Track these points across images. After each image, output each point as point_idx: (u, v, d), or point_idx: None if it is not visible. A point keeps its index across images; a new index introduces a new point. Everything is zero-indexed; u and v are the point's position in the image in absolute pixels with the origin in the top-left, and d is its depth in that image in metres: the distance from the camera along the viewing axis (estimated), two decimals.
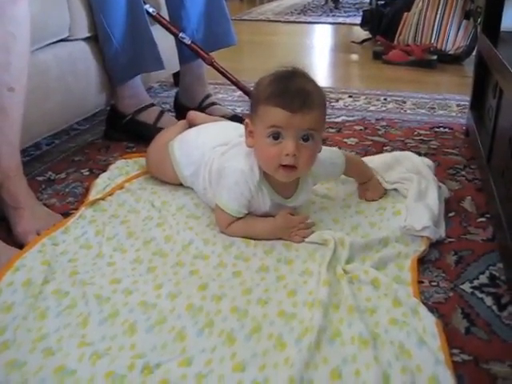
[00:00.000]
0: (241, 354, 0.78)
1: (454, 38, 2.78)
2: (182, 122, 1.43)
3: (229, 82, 1.79)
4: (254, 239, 1.08)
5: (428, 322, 0.82)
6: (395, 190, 1.24)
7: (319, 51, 3.41)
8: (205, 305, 0.89)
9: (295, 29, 4.13)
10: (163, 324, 0.85)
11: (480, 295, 0.92)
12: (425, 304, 0.87)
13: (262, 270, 0.99)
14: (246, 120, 1.08)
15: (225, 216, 1.10)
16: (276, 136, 1.00)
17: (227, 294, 0.92)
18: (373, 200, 1.23)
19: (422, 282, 0.95)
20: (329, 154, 1.15)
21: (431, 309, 0.86)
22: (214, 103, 1.80)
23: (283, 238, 1.08)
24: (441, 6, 2.82)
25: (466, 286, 0.94)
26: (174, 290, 0.93)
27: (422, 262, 1.01)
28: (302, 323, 0.84)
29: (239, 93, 1.99)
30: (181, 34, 1.66)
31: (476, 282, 0.95)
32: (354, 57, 3.18)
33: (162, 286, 0.95)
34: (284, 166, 1.01)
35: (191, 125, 1.39)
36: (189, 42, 1.67)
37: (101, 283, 0.96)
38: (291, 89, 0.99)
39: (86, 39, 1.56)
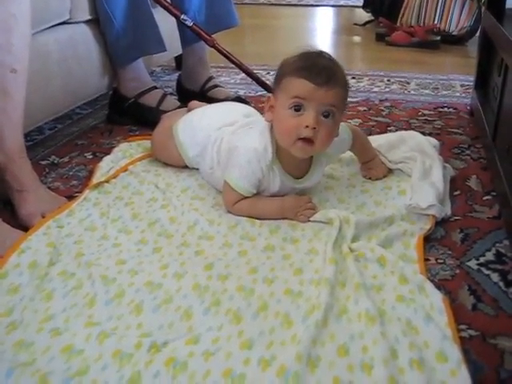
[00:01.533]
0: (248, 332, 0.78)
1: (457, 18, 2.76)
2: (183, 110, 1.42)
3: (231, 65, 1.78)
4: (260, 219, 1.08)
5: (435, 299, 0.82)
6: (399, 169, 1.24)
7: (322, 34, 3.39)
8: (211, 284, 0.89)
9: (297, 12, 4.10)
10: (169, 303, 0.85)
11: (486, 272, 0.92)
12: (431, 281, 0.86)
13: (267, 250, 0.98)
14: (268, 96, 1.08)
15: (233, 194, 1.09)
16: (298, 108, 1.00)
17: (233, 273, 0.92)
18: (377, 179, 1.23)
19: (429, 260, 0.95)
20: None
21: (438, 286, 0.86)
22: (216, 85, 1.79)
23: (289, 218, 1.08)
24: None
25: (473, 263, 0.94)
26: (179, 270, 0.93)
27: (428, 239, 1.00)
28: (309, 301, 0.84)
29: (242, 75, 1.98)
30: (182, 16, 1.65)
31: (482, 259, 0.95)
32: (357, 39, 3.16)
33: (167, 266, 0.95)
34: (302, 139, 1.01)
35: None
36: (190, 24, 1.65)
37: (106, 264, 0.96)
38: (318, 64, 1.00)
39: (87, 22, 1.55)
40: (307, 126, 0.99)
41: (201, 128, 1.22)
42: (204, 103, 1.44)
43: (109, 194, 1.20)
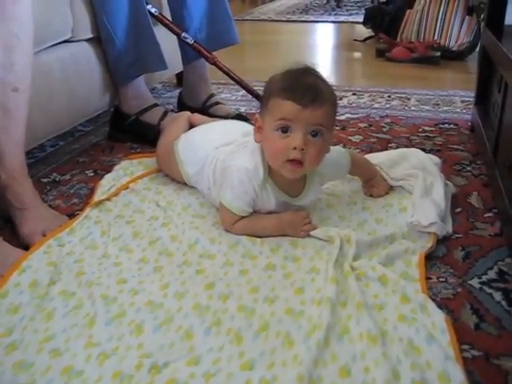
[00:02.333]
0: (249, 353, 0.78)
1: (457, 34, 2.77)
2: (184, 115, 1.42)
3: (232, 82, 1.79)
4: (260, 237, 1.08)
5: (437, 318, 0.81)
6: (401, 186, 1.24)
7: (322, 50, 3.40)
8: (212, 304, 0.89)
9: (297, 28, 4.12)
10: (170, 323, 0.85)
11: (489, 290, 0.91)
12: (433, 300, 0.86)
13: (268, 268, 0.98)
14: (256, 115, 1.08)
15: (229, 215, 1.09)
16: (284, 129, 1.00)
17: (234, 292, 0.91)
18: (379, 196, 1.23)
19: (430, 278, 0.95)
20: (335, 154, 1.14)
21: (440, 305, 0.86)
22: (217, 103, 1.80)
23: (289, 234, 1.08)
24: (443, 3, 2.82)
25: (475, 282, 0.93)
26: (180, 290, 0.93)
27: (430, 258, 1.00)
28: (310, 321, 0.84)
29: (243, 92, 1.99)
30: (183, 34, 1.66)
31: (484, 278, 0.94)
32: (357, 55, 3.17)
33: (168, 285, 0.94)
34: (291, 161, 1.01)
35: (193, 126, 1.38)
36: (191, 42, 1.67)
37: (107, 283, 0.96)
38: (303, 83, 0.99)
39: (88, 40, 1.56)
40: (295, 148, 0.99)
41: (200, 146, 1.23)
42: (205, 117, 1.45)
43: (110, 212, 1.20)
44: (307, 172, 1.09)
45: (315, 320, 0.83)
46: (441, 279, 0.94)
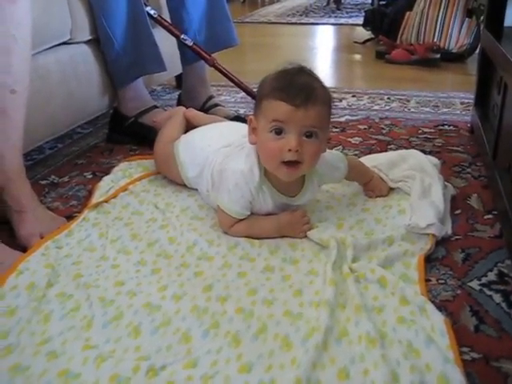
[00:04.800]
0: (247, 355, 0.77)
1: (456, 36, 2.77)
2: (180, 113, 1.42)
3: (231, 84, 1.79)
4: (259, 239, 1.07)
5: (436, 320, 0.81)
6: (399, 188, 1.23)
7: (322, 52, 3.40)
8: (210, 306, 0.88)
9: (297, 30, 4.12)
10: (168, 326, 0.84)
11: (489, 292, 0.91)
12: (432, 302, 0.85)
13: (267, 270, 0.98)
14: (250, 117, 1.07)
15: (227, 217, 1.09)
16: (278, 131, 0.99)
17: (232, 294, 0.91)
18: (380, 196, 1.22)
19: (430, 280, 0.94)
20: (331, 157, 1.14)
21: (439, 307, 0.85)
22: (216, 104, 1.79)
23: (287, 235, 1.08)
24: (443, 5, 2.82)
25: (474, 284, 0.93)
26: (178, 292, 0.92)
27: (429, 260, 1.00)
28: (309, 323, 0.83)
29: (242, 94, 1.98)
30: (182, 36, 1.66)
31: (484, 280, 0.94)
32: (357, 57, 3.17)
33: (166, 287, 0.94)
34: (286, 163, 1.00)
35: (188, 122, 1.38)
36: (191, 44, 1.66)
37: (105, 286, 0.95)
38: (295, 83, 0.98)
39: (87, 42, 1.56)
40: (290, 150, 0.98)
41: (201, 148, 1.22)
42: (201, 112, 1.45)
43: (108, 215, 1.20)
44: (304, 173, 1.08)
45: (313, 322, 0.82)
46: (440, 281, 0.94)
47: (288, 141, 0.98)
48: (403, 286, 0.88)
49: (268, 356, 0.77)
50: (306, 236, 1.07)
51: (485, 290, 0.91)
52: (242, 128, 1.20)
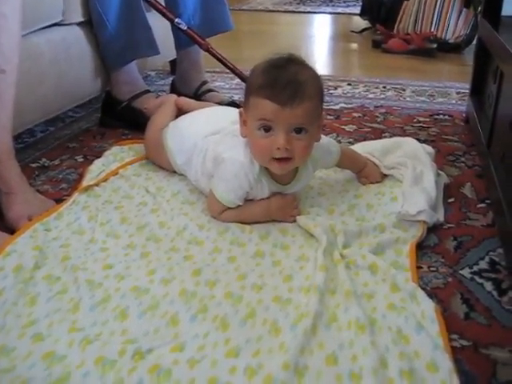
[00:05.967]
0: (234, 340, 0.77)
1: (454, 26, 2.75)
2: (171, 100, 1.40)
3: (226, 70, 1.77)
4: (249, 223, 1.06)
5: (426, 307, 0.80)
6: (392, 175, 1.22)
7: (318, 41, 3.38)
8: (198, 290, 0.87)
9: (294, 19, 4.09)
10: (155, 309, 0.84)
11: (480, 280, 0.90)
12: (423, 289, 0.85)
13: (257, 256, 0.97)
14: (240, 110, 1.05)
15: (218, 204, 1.08)
16: (266, 128, 0.97)
17: (221, 279, 0.90)
18: (374, 182, 1.21)
19: (421, 268, 0.93)
20: (324, 141, 1.12)
21: (430, 294, 0.85)
22: (210, 90, 1.77)
23: (277, 219, 1.07)
24: None
25: (466, 272, 0.92)
26: (167, 276, 0.91)
27: (421, 247, 0.99)
28: (298, 308, 0.82)
29: (237, 80, 1.97)
30: (177, 20, 1.63)
31: (476, 268, 0.93)
32: (354, 46, 3.15)
33: (155, 271, 0.93)
34: (277, 159, 0.98)
35: (180, 110, 1.36)
36: (185, 28, 1.64)
37: (93, 268, 0.94)
38: (282, 79, 0.95)
39: (80, 24, 1.54)
40: (278, 148, 0.96)
41: (188, 135, 1.20)
42: (192, 100, 1.43)
43: (98, 198, 1.18)
44: (298, 165, 1.06)
45: (303, 308, 0.82)
46: (432, 269, 0.93)
47: (276, 139, 0.96)
48: (394, 272, 0.88)
49: (256, 341, 0.77)
50: (295, 220, 1.06)
51: (476, 277, 0.91)
52: (231, 113, 1.18)
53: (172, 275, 0.91)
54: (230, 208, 1.08)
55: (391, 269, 0.89)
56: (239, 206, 1.08)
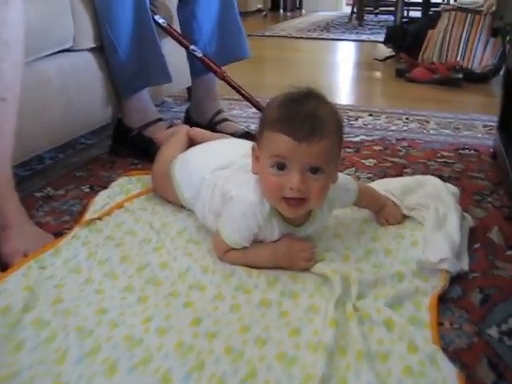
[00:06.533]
0: None
1: (480, 55, 2.68)
2: (183, 131, 1.35)
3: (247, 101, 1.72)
4: (256, 268, 0.99)
5: (448, 374, 0.72)
6: (413, 217, 1.14)
7: (341, 68, 3.33)
8: (196, 343, 0.80)
9: (318, 46, 4.06)
10: (148, 364, 0.76)
11: (509, 342, 0.81)
12: (445, 351, 0.76)
13: (262, 305, 0.89)
14: (253, 144, 0.98)
15: (223, 244, 1.01)
16: (280, 166, 0.90)
17: (222, 331, 0.82)
18: (394, 223, 1.14)
19: (442, 324, 0.84)
20: (342, 179, 1.04)
21: (452, 357, 0.76)
22: (225, 119, 1.72)
23: (285, 267, 0.98)
24: (467, 24, 2.73)
25: (493, 331, 0.83)
26: (163, 324, 0.84)
27: (443, 300, 0.90)
28: (304, 369, 0.74)
29: (254, 109, 1.91)
30: (192, 47, 1.60)
31: (504, 326, 0.84)
32: (377, 74, 3.09)
33: (151, 318, 0.86)
34: (289, 199, 0.91)
35: (192, 141, 1.30)
36: (200, 55, 1.60)
37: (85, 313, 0.87)
38: (300, 114, 0.88)
39: (90, 50, 1.50)
40: (291, 188, 0.89)
41: (196, 168, 1.14)
42: (205, 131, 1.37)
43: (100, 233, 1.12)
44: (311, 208, 0.99)
45: (309, 368, 0.74)
46: (455, 326, 0.84)
47: (290, 178, 0.89)
48: (412, 330, 0.79)
49: None
50: (307, 269, 0.98)
51: (505, 338, 0.81)
52: (243, 146, 1.12)
53: (169, 324, 0.84)
54: (235, 249, 1.00)
55: (409, 325, 0.81)
56: (246, 247, 1.01)
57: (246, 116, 2.03)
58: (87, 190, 1.37)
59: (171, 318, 0.86)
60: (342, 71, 3.23)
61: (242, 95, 1.66)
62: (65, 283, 0.95)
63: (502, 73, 2.58)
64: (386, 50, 3.35)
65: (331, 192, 0.98)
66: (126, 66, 1.48)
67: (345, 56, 3.87)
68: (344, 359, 0.76)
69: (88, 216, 1.19)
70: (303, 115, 0.88)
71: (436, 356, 0.74)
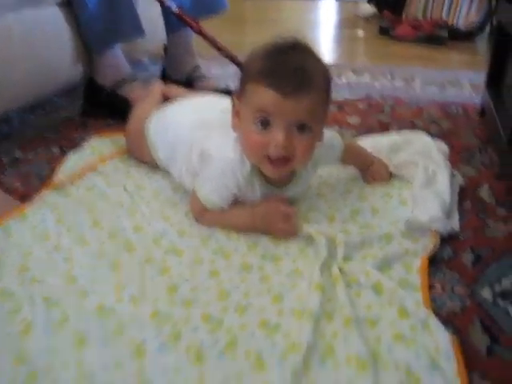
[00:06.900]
0: (210, 378, 0.64)
1: (466, 12, 2.61)
2: (157, 88, 1.27)
3: (223, 56, 1.63)
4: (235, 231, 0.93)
5: (441, 339, 0.67)
6: (401, 175, 1.09)
7: (324, 27, 3.24)
8: (172, 311, 0.74)
9: (300, 5, 3.95)
10: (120, 335, 0.71)
11: (503, 304, 0.76)
12: (437, 314, 0.72)
13: (243, 269, 0.84)
14: (233, 97, 0.91)
15: (200, 204, 0.95)
16: (264, 123, 0.83)
17: (200, 298, 0.77)
18: (381, 181, 1.08)
19: (433, 287, 0.80)
20: (327, 135, 0.97)
21: (445, 321, 0.71)
22: (204, 76, 1.64)
23: (264, 233, 0.92)
24: None
25: (486, 293, 0.79)
26: (137, 293, 0.78)
27: (434, 261, 0.85)
28: (288, 337, 0.69)
29: (234, 68, 1.82)
30: (167, 2, 1.50)
31: (498, 287, 0.80)
32: (360, 32, 3.00)
33: (124, 287, 0.80)
34: (272, 160, 0.85)
35: (167, 99, 1.22)
36: (176, 11, 1.50)
37: (53, 282, 0.81)
38: (286, 65, 0.81)
39: (58, 4, 1.39)
40: (276, 146, 0.83)
41: (173, 126, 1.07)
42: (181, 89, 1.30)
43: (69, 197, 1.05)
44: (295, 168, 0.93)
45: (294, 336, 0.69)
46: (446, 288, 0.80)
47: (274, 135, 0.83)
48: (402, 293, 0.75)
49: (236, 379, 0.64)
50: (290, 235, 0.91)
51: (498, 300, 0.77)
52: (220, 102, 1.05)
53: (143, 292, 0.79)
54: (213, 211, 0.94)
55: (399, 289, 0.76)
56: (223, 209, 0.95)
57: (225, 75, 1.94)
58: (57, 152, 1.30)
59: (146, 285, 0.80)
60: (325, 30, 3.15)
61: (219, 49, 1.58)
62: (32, 251, 0.89)
63: (486, 30, 2.52)
64: (369, 9, 3.27)
65: (316, 149, 0.92)
66: (96, 19, 1.38)
67: (327, 15, 3.77)
68: (331, 326, 0.71)
69: (56, 179, 1.12)
70: (290, 68, 0.81)
71: (428, 320, 0.70)
